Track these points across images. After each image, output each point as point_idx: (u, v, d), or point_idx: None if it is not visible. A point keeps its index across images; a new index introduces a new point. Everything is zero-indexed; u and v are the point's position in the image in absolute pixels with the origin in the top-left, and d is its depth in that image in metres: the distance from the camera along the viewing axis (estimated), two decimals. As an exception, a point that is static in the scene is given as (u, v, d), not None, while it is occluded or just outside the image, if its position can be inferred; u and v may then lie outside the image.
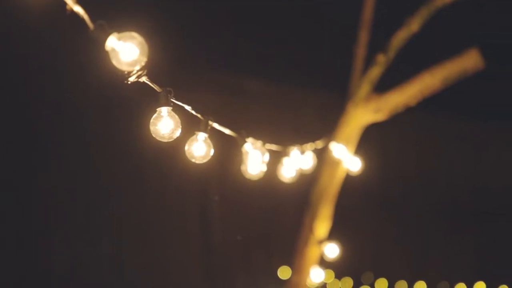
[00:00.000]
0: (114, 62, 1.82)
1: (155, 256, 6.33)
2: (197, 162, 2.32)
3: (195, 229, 6.58)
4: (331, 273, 7.19)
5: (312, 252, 3.91)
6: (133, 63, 1.84)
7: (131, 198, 6.24)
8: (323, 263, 4.08)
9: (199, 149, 2.33)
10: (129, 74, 1.93)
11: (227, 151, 2.95)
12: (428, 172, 8.06)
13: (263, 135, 3.14)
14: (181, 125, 2.18)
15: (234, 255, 6.76)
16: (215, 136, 2.58)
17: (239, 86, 6.90)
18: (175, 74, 5.83)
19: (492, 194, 8.31)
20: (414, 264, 7.80)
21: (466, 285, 7.80)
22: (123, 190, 6.17)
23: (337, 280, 7.33)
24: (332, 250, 3.92)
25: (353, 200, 7.12)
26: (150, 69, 2.04)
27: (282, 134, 6.52)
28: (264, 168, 2.92)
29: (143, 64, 1.85)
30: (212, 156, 2.53)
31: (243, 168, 2.83)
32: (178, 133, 2.13)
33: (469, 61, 3.64)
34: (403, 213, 7.84)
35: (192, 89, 5.63)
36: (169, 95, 2.12)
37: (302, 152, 3.65)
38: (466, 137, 8.31)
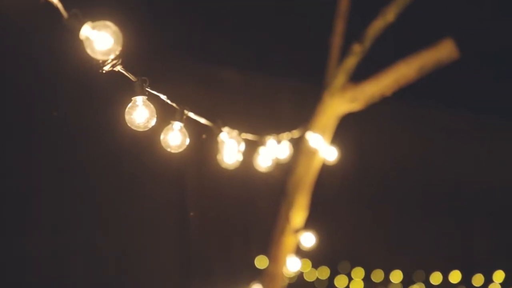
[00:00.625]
0: (89, 51, 1.81)
1: (131, 245, 6.32)
2: (173, 151, 2.32)
3: (172, 218, 6.57)
4: (308, 263, 7.22)
5: (288, 242, 3.92)
6: (108, 52, 1.83)
7: (107, 187, 6.22)
8: (300, 252, 4.10)
9: (175, 138, 2.33)
10: (103, 63, 1.92)
11: (204, 140, 2.94)
12: (404, 162, 8.11)
13: (239, 125, 3.14)
14: (157, 114, 2.17)
15: (211, 244, 6.76)
16: (191, 125, 2.57)
17: (215, 76, 6.89)
18: (151, 63, 5.81)
19: (468, 184, 8.38)
20: (390, 253, 7.86)
21: (442, 274, 7.86)
22: (98, 179, 6.15)
23: (313, 269, 7.35)
24: (308, 239, 3.93)
25: (330, 189, 7.15)
26: (125, 58, 2.03)
27: (259, 123, 6.54)
28: (240, 158, 2.92)
29: (117, 53, 1.84)
30: (189, 146, 2.53)
31: (219, 157, 2.83)
32: (153, 122, 2.13)
33: (444, 51, 3.66)
34: (380, 203, 7.88)
35: (168, 79, 5.62)
36: (144, 84, 2.11)
37: (278, 142, 3.65)
38: (442, 127, 8.36)
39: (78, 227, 5.98)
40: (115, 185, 6.26)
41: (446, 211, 8.25)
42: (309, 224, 4.07)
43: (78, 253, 5.98)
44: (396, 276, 7.70)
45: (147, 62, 5.40)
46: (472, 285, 7.96)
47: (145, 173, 6.33)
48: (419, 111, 8.05)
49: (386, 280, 7.67)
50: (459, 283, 7.93)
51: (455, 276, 7.89)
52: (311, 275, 7.37)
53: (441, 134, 8.36)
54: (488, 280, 8.00)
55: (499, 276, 8.03)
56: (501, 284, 8.06)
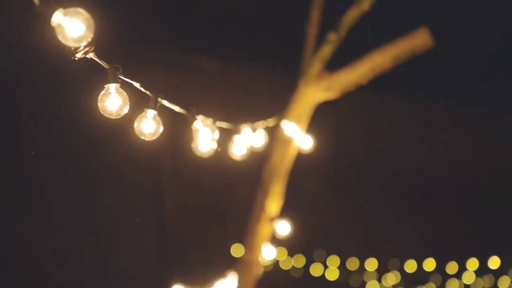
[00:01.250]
0: (60, 38, 1.80)
1: (106, 232, 6.30)
2: (146, 139, 2.31)
3: (148, 206, 6.56)
4: (284, 251, 7.24)
5: (264, 230, 3.93)
6: (80, 39, 1.82)
7: (82, 174, 6.19)
8: (275, 240, 4.10)
9: (148, 126, 2.32)
10: (76, 50, 1.90)
11: (179, 128, 2.93)
12: (379, 151, 8.15)
13: (215, 113, 3.13)
14: (130, 102, 2.17)
15: (187, 232, 6.76)
16: (167, 113, 2.56)
17: (191, 64, 6.87)
18: (125, 51, 5.78)
19: (441, 172, 8.44)
20: (365, 241, 7.90)
21: (416, 261, 7.92)
22: (73, 166, 6.12)
23: (289, 258, 7.38)
24: (284, 228, 3.93)
25: (305, 178, 7.17)
26: (97, 45, 2.02)
27: (235, 112, 6.51)
28: (214, 146, 2.92)
29: (89, 40, 1.83)
30: (165, 134, 2.52)
31: (193, 145, 2.82)
32: (126, 110, 2.12)
33: (419, 40, 3.68)
34: (355, 191, 7.92)
35: (143, 67, 5.60)
36: (117, 71, 2.10)
37: (254, 130, 3.65)
38: (417, 117, 8.41)
39: (53, 215, 5.95)
40: (90, 173, 6.24)
41: (421, 199, 8.30)
42: (284, 213, 4.07)
43: (53, 240, 5.96)
44: (371, 264, 7.75)
45: (123, 50, 5.37)
46: (446, 272, 8.03)
47: (120, 161, 6.30)
48: (395, 100, 8.08)
49: (361, 268, 7.72)
50: (433, 271, 7.99)
51: (429, 264, 7.95)
52: (287, 263, 7.39)
53: (416, 123, 8.41)
54: (462, 268, 8.07)
55: (472, 264, 8.10)
56: (474, 271, 8.13)
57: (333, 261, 7.63)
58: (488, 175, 8.58)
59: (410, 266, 7.91)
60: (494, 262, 8.18)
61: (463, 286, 8.13)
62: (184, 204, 6.74)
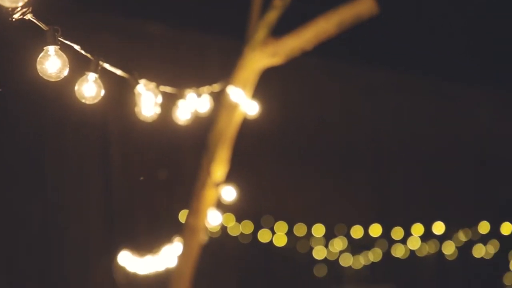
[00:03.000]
0: (-4, -2, 1.77)
1: (54, 200, 6.26)
2: (88, 102, 2.30)
3: (94, 172, 6.53)
4: (232, 217, 7.28)
5: (209, 195, 3.94)
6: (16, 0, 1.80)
7: (27, 142, 6.13)
8: (222, 206, 4.12)
9: (89, 89, 2.31)
10: (13, 11, 1.88)
11: (125, 93, 2.92)
12: (326, 116, 8.21)
13: (161, 78, 3.12)
14: (75, 65, 2.15)
15: (134, 198, 6.75)
16: (113, 78, 2.55)
17: (138, 30, 6.82)
18: (70, 16, 5.70)
19: (389, 139, 8.54)
20: (312, 207, 7.98)
21: (362, 227, 8.04)
22: (17, 135, 6.06)
23: (237, 224, 7.42)
24: (229, 193, 3.96)
25: (252, 144, 7.19)
26: (37, 7, 2.00)
27: (182, 78, 6.50)
28: (158, 110, 2.92)
29: (26, 0, 1.81)
30: (110, 99, 2.51)
31: (137, 109, 2.82)
32: (65, 72, 2.11)
33: (363, 6, 3.70)
34: (302, 157, 7.98)
35: (88, 32, 5.54)
36: (56, 33, 2.08)
37: (199, 95, 3.65)
38: (364, 83, 8.48)
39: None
40: (35, 139, 6.17)
41: (366, 165, 8.41)
42: (231, 178, 4.09)
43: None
44: (318, 230, 7.84)
45: (66, 15, 5.31)
46: (392, 238, 8.17)
47: (68, 127, 6.25)
48: (341, 67, 8.13)
49: (309, 234, 7.80)
50: (379, 237, 8.12)
51: (375, 230, 8.08)
52: (235, 229, 7.44)
53: (362, 90, 8.48)
54: (407, 233, 8.22)
55: (417, 229, 8.25)
56: (419, 237, 8.28)
57: (281, 227, 7.70)
58: (432, 142, 8.73)
59: (357, 231, 8.02)
60: (438, 228, 8.34)
61: (408, 251, 8.28)
62: (131, 170, 6.73)
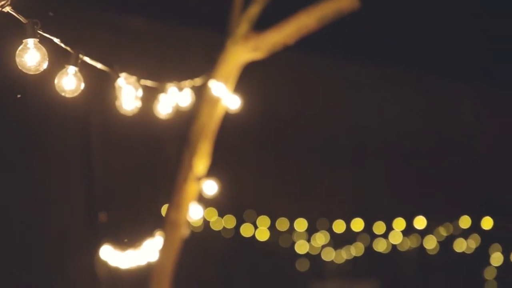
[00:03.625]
0: (-26, -10, 1.76)
1: (34, 192, 6.24)
2: (67, 95, 2.29)
3: (77, 166, 6.51)
4: (214, 211, 7.29)
5: (191, 189, 3.94)
6: (-6, -8, 1.79)
7: (8, 136, 6.11)
8: (205, 201, 4.12)
9: (69, 83, 2.30)
10: (-9, 3, 1.87)
11: (106, 87, 2.91)
12: (308, 112, 8.23)
13: (144, 73, 3.12)
14: (51, 58, 2.15)
15: (117, 192, 6.74)
16: (94, 71, 2.54)
17: (119, 22, 6.79)
18: (51, 10, 5.67)
19: (369, 134, 8.57)
20: (294, 202, 8.00)
21: (345, 221, 8.06)
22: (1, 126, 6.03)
23: (220, 218, 7.43)
24: (211, 187, 3.95)
25: (234, 138, 7.20)
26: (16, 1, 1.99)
27: (164, 72, 6.49)
28: (139, 104, 2.91)
29: (5, -7, 1.81)
30: (92, 92, 2.51)
31: (117, 103, 2.81)
32: (45, 65, 2.10)
33: (345, 1, 3.71)
34: (284, 152, 7.99)
35: (68, 23, 5.51)
36: (35, 26, 2.07)
37: (180, 89, 3.64)
38: (346, 78, 8.49)
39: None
40: (18, 132, 6.15)
41: (348, 160, 8.43)
42: (213, 172, 4.09)
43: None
44: (301, 225, 7.86)
45: (46, 9, 5.27)
46: (374, 232, 8.20)
47: (50, 120, 6.23)
48: (323, 61, 8.15)
49: (291, 228, 7.82)
50: (361, 231, 8.15)
51: (357, 224, 8.10)
52: (218, 224, 7.45)
53: (344, 84, 8.50)
54: (389, 227, 8.25)
55: (399, 224, 8.29)
56: (401, 231, 8.32)
57: (264, 222, 7.72)
58: (415, 137, 8.76)
59: (339, 226, 8.05)
60: (420, 222, 8.39)
61: (390, 245, 8.32)
62: (113, 164, 6.71)
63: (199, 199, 4.06)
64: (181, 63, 7.04)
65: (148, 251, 4.27)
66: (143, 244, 4.38)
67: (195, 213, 4.04)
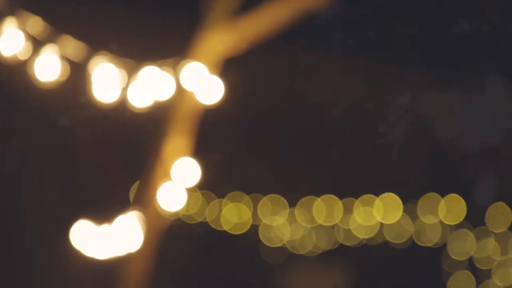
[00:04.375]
0: None
1: (10, 169, 6.21)
2: (43, 81, 2.28)
3: (52, 146, 6.48)
4: (191, 201, 7.29)
5: (165, 179, 3.93)
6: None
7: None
8: (181, 190, 4.11)
9: (45, 69, 2.29)
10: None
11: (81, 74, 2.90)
12: (285, 98, 8.22)
13: (120, 54, 3.10)
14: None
15: (92, 180, 6.72)
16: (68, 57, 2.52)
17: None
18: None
19: (345, 120, 8.58)
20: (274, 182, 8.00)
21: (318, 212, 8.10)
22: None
23: (196, 207, 7.45)
24: (187, 178, 3.95)
25: (211, 129, 7.19)
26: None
27: (141, 62, 6.45)
28: (117, 93, 2.91)
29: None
30: (65, 78, 2.49)
31: (94, 92, 2.81)
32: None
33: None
34: (260, 141, 7.99)
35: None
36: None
37: (157, 79, 3.63)
38: (322, 67, 8.47)
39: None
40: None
41: (327, 144, 8.43)
42: (189, 163, 4.09)
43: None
44: (272, 213, 7.89)
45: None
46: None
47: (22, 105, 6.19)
48: (299, 51, 8.12)
49: (255, 214, 7.85)
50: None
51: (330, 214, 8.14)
52: (195, 213, 7.46)
53: (320, 73, 8.47)
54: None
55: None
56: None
57: (231, 210, 7.73)
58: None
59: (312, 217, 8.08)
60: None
61: (358, 239, 8.37)
62: (89, 150, 6.67)
63: (173, 190, 4.05)
64: (157, 52, 6.98)
65: (122, 228, 4.19)
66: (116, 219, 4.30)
67: (171, 205, 4.02)
